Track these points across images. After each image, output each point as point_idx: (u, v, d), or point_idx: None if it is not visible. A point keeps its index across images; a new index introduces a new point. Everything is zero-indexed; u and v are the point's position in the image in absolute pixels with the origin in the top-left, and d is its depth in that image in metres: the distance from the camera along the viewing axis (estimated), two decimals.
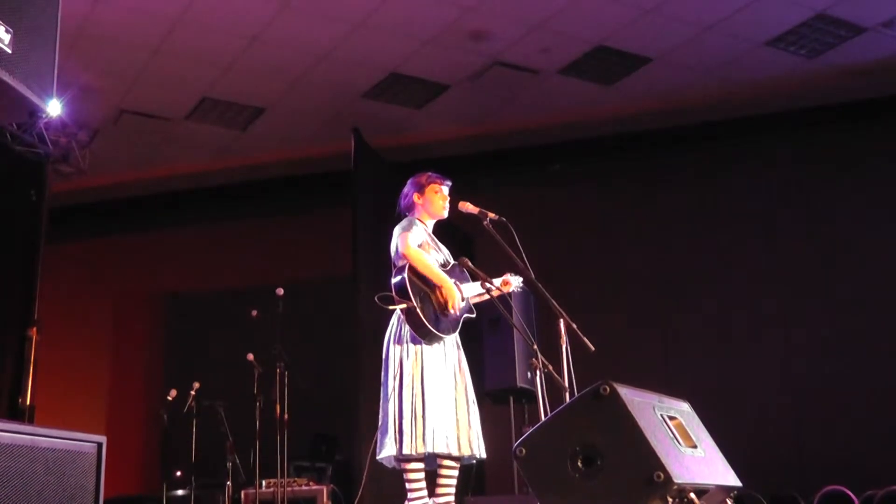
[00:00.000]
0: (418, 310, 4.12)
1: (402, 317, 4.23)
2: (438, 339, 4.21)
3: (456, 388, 4.25)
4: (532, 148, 9.13)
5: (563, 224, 8.92)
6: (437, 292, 4.25)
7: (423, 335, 4.16)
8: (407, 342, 4.22)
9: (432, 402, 4.12)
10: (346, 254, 7.62)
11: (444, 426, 4.11)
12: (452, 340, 4.32)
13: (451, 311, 4.25)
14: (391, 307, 4.23)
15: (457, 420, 4.18)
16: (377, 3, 6.73)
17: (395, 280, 4.22)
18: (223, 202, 10.07)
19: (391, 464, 4.23)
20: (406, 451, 4.08)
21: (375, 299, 4.20)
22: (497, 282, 4.46)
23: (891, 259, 7.99)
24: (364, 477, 4.45)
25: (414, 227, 4.35)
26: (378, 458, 4.23)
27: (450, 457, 4.16)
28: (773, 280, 8.35)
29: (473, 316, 4.46)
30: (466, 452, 4.18)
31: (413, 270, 4.20)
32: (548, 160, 9.20)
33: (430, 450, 4.08)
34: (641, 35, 7.25)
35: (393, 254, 4.34)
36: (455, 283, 4.32)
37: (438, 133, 8.89)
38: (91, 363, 10.12)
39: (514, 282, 4.52)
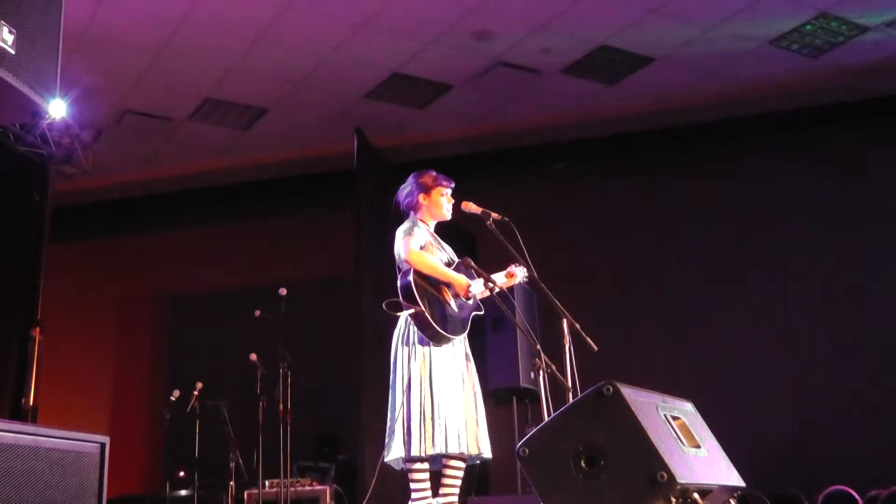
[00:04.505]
0: (426, 312, 4.11)
1: (409, 319, 4.22)
2: (447, 340, 4.21)
3: (464, 388, 4.25)
4: (534, 148, 9.13)
5: (564, 223, 8.92)
6: (445, 291, 4.25)
7: (431, 337, 4.16)
8: (414, 343, 4.21)
9: (442, 402, 4.12)
10: (348, 253, 7.64)
11: (454, 426, 4.11)
12: (460, 340, 4.32)
13: (465, 302, 4.27)
14: (398, 314, 4.21)
15: (465, 419, 4.18)
16: (380, 3, 6.73)
17: (400, 284, 4.21)
18: (226, 202, 10.08)
19: (399, 466, 4.23)
20: (415, 452, 4.08)
21: (383, 306, 4.18)
22: (501, 274, 4.46)
23: (893, 258, 7.98)
24: (374, 479, 4.44)
25: (416, 230, 4.33)
26: (385, 460, 4.22)
27: (459, 457, 4.17)
28: (775, 279, 8.34)
29: (482, 313, 4.45)
30: (474, 451, 4.19)
31: (417, 273, 4.20)
32: (550, 160, 9.20)
33: (439, 450, 4.08)
34: (644, 35, 7.24)
35: (397, 257, 4.34)
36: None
37: (441, 133, 8.89)
38: (94, 363, 10.13)
39: (519, 273, 4.50)
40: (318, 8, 6.79)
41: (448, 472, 4.19)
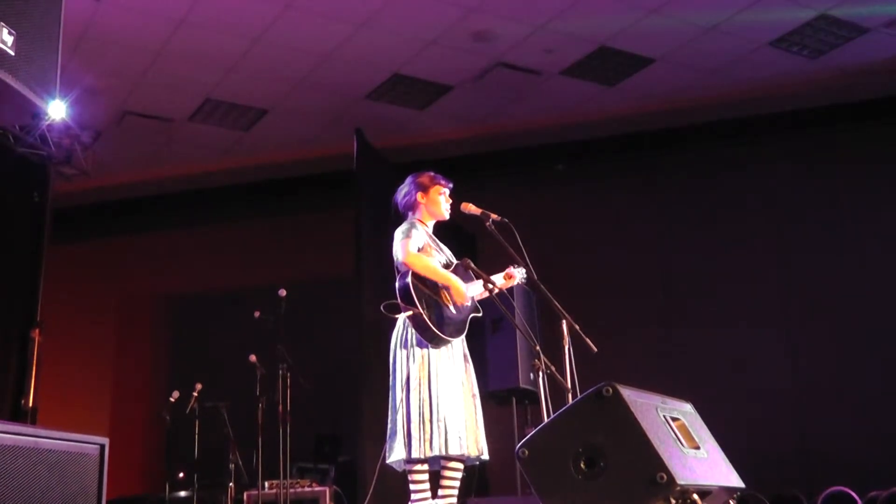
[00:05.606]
0: (424, 315, 4.11)
1: (407, 321, 4.22)
2: (445, 342, 4.20)
3: (463, 390, 4.25)
4: (534, 148, 9.13)
5: (564, 224, 8.92)
6: (444, 293, 4.25)
7: (429, 339, 4.16)
8: (413, 346, 4.21)
9: (441, 404, 4.12)
10: (349, 254, 7.63)
11: (454, 428, 4.11)
12: (458, 341, 4.32)
13: (462, 305, 4.26)
14: (396, 316, 4.21)
15: (465, 421, 4.18)
16: (380, 3, 6.73)
17: (398, 286, 4.21)
18: (226, 203, 10.08)
19: (401, 467, 4.24)
20: (415, 454, 4.08)
21: (381, 309, 4.17)
22: (500, 276, 4.45)
23: (892, 258, 7.98)
24: (374, 481, 4.45)
25: (413, 231, 4.31)
26: (387, 461, 4.23)
27: (458, 458, 4.17)
28: (775, 279, 8.34)
29: (480, 315, 4.45)
30: (474, 453, 4.19)
31: (416, 275, 4.19)
32: (550, 161, 9.21)
33: (438, 452, 4.08)
34: (644, 36, 7.25)
35: (395, 259, 4.33)
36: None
37: (441, 134, 8.89)
38: (94, 364, 10.13)
39: (518, 275, 4.50)
40: (318, 8, 6.79)
41: (446, 473, 4.19)
